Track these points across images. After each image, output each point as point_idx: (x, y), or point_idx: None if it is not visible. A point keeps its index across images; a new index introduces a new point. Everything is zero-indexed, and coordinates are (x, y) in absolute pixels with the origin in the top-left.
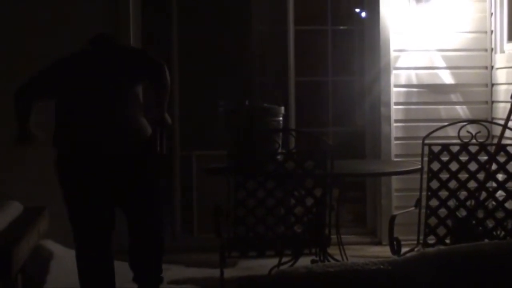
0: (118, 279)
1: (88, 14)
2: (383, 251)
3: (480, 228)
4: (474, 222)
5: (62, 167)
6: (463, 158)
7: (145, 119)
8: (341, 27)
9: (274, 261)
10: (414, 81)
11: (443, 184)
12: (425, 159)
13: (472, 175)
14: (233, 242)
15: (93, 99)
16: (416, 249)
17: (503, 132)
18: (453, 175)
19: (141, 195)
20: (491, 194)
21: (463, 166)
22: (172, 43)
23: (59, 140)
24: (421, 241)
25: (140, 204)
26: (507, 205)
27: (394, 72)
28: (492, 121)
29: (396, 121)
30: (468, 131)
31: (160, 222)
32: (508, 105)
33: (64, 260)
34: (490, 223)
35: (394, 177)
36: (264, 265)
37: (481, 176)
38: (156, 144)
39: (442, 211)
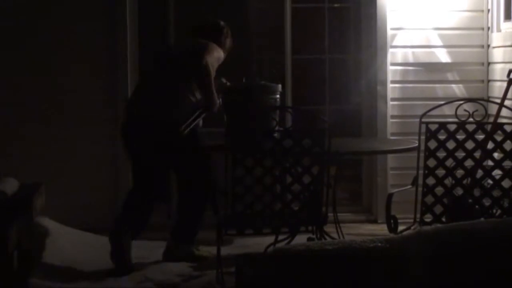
0: None
1: None
2: (379, 229)
3: (477, 206)
4: (470, 200)
5: (121, 131)
6: (460, 136)
7: (181, 105)
8: (338, 5)
9: (270, 239)
10: (411, 59)
11: (440, 163)
12: (422, 137)
13: (469, 154)
14: (230, 220)
15: (149, 85)
16: (412, 227)
17: (499, 110)
18: (450, 153)
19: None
20: (488, 172)
21: (460, 145)
22: (169, 20)
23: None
24: (417, 219)
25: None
26: (503, 183)
27: (390, 50)
28: (488, 100)
29: (393, 99)
30: (465, 110)
31: (191, 197)
32: (504, 84)
33: (60, 236)
34: (486, 202)
35: (390, 155)
36: (260, 243)
37: (477, 154)
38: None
39: (439, 190)
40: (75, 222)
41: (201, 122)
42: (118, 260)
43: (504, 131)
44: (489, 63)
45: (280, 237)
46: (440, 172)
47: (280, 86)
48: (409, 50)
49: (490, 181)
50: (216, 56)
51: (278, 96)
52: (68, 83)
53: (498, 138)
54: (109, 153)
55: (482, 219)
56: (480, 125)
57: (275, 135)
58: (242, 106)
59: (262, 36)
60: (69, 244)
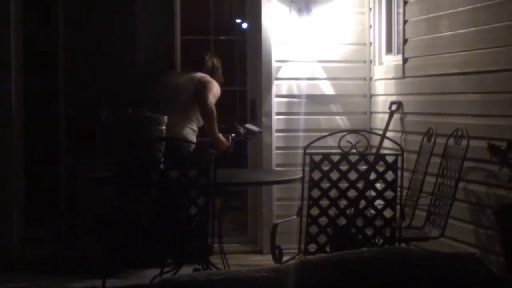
0: None
1: None
2: (265, 260)
3: (360, 236)
4: (353, 230)
5: None
6: (344, 167)
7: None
8: (223, 37)
9: (156, 271)
10: (295, 91)
11: (324, 193)
12: (306, 168)
13: (352, 184)
14: (116, 251)
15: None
16: (297, 257)
17: (381, 142)
18: (334, 184)
19: None
20: (370, 202)
21: (343, 175)
22: (58, 52)
23: None
24: (302, 249)
25: None
26: (385, 213)
27: (275, 82)
28: (371, 131)
29: (278, 130)
30: (348, 141)
31: None
32: (386, 116)
33: None
34: (369, 231)
35: (275, 186)
36: (146, 274)
37: (360, 185)
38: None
39: (323, 220)
40: None
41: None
42: None
43: (385, 161)
44: (371, 95)
45: (166, 269)
46: (324, 202)
47: (165, 117)
48: (294, 82)
49: (372, 211)
50: (216, 93)
51: (164, 127)
52: None
53: (380, 168)
54: None
55: (365, 248)
56: (362, 156)
57: (161, 166)
58: (128, 138)
59: (152, 66)
60: None
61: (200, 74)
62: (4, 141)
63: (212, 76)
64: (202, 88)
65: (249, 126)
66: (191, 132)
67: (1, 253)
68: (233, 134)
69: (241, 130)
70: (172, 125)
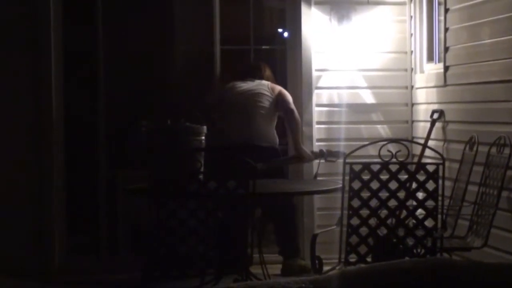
0: None
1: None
2: None
3: (401, 246)
4: (394, 240)
5: None
6: (384, 176)
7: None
8: (264, 47)
9: (196, 281)
10: (336, 100)
11: (364, 203)
12: (346, 177)
13: (393, 194)
14: (155, 262)
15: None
16: (337, 268)
17: (423, 151)
18: (374, 193)
19: None
20: (411, 212)
21: (384, 185)
22: (98, 62)
23: None
24: (342, 260)
25: None
26: (426, 223)
27: (316, 91)
28: (412, 140)
29: (318, 140)
30: (388, 150)
31: None
32: (428, 125)
33: None
34: (410, 241)
35: (316, 196)
36: (186, 285)
37: (401, 194)
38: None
39: (363, 230)
40: None
41: None
42: None
43: (426, 171)
44: (412, 104)
45: (206, 279)
46: (364, 212)
47: (205, 127)
48: (335, 91)
49: (413, 221)
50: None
51: (203, 137)
52: None
53: (421, 178)
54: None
55: (406, 258)
56: (403, 165)
57: (200, 177)
58: (167, 148)
59: (191, 77)
60: None
61: (268, 82)
62: (45, 151)
63: None
64: (280, 96)
65: (331, 149)
66: (276, 136)
67: (44, 262)
68: (316, 150)
69: (324, 149)
70: (254, 127)
